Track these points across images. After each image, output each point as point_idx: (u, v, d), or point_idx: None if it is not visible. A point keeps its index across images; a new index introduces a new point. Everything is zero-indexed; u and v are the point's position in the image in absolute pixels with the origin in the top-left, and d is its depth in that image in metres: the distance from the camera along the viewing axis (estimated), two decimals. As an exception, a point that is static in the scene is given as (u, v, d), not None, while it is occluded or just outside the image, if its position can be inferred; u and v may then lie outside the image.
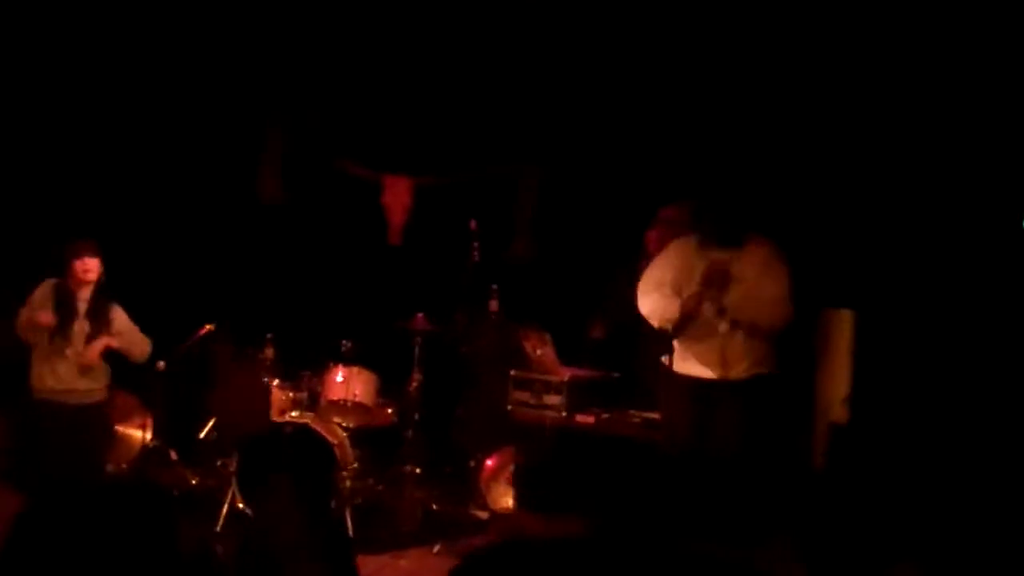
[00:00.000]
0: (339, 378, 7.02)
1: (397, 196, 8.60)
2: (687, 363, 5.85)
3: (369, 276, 8.43)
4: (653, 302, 5.92)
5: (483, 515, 7.23)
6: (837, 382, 7.29)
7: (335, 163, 8.47)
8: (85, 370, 6.27)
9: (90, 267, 6.23)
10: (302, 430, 6.68)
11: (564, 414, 6.55)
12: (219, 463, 7.13)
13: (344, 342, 7.18)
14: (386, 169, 8.54)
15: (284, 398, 7.10)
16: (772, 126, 7.20)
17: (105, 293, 6.31)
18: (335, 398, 7.01)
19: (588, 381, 6.85)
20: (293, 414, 6.96)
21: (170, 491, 6.76)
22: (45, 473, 6.04)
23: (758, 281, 5.67)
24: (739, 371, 5.73)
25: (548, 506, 6.21)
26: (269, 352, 7.31)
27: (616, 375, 6.94)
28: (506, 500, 7.27)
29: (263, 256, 8.49)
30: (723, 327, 5.70)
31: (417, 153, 8.47)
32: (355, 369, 7.05)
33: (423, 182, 8.54)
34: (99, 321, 6.28)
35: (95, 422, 6.43)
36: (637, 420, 6.38)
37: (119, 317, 6.37)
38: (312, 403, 7.10)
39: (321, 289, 8.37)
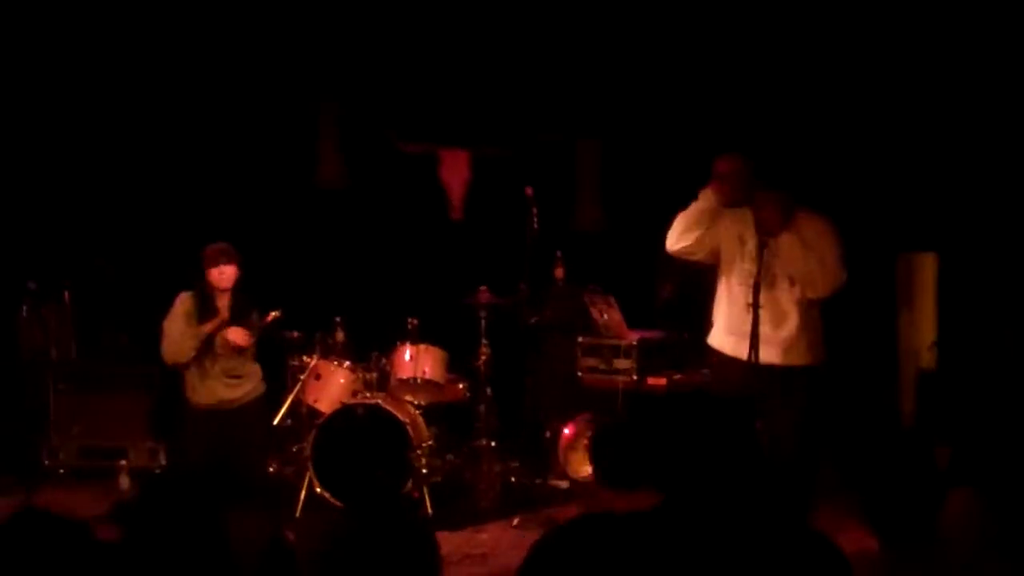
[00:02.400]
0: (407, 356, 7.04)
1: (455, 170, 8.58)
2: (730, 340, 5.62)
3: (431, 253, 8.45)
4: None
5: (563, 485, 7.25)
6: (922, 328, 7.15)
7: (392, 141, 8.47)
8: (234, 379, 6.35)
9: (227, 273, 6.28)
10: (373, 411, 6.71)
11: (635, 378, 6.48)
12: (295, 449, 7.19)
13: (410, 320, 7.19)
14: (443, 143, 8.53)
15: (355, 379, 7.12)
16: (841, 69, 7.07)
17: (246, 296, 6.38)
18: (405, 376, 7.02)
19: (658, 342, 6.80)
20: (365, 395, 6.99)
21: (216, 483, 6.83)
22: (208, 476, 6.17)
23: (809, 251, 5.48)
24: (793, 355, 5.51)
25: (625, 478, 6.16)
26: (339, 335, 7.33)
27: (686, 335, 6.86)
28: (586, 468, 7.25)
29: (327, 240, 8.53)
30: (778, 295, 5.49)
31: (473, 125, 8.43)
32: (423, 346, 7.06)
33: (481, 154, 8.49)
34: (246, 325, 6.35)
35: (254, 420, 6.50)
36: (708, 379, 6.25)
37: (254, 316, 6.44)
38: (383, 383, 7.13)
39: (385, 269, 8.40)
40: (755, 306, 5.29)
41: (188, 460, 6.46)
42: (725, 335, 5.65)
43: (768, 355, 5.39)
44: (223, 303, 6.35)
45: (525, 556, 2.34)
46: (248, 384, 6.47)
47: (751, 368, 5.29)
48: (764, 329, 5.34)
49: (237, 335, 6.29)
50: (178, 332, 6.27)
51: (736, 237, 5.60)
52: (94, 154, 8.36)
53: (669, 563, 2.40)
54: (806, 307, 5.53)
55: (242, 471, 6.21)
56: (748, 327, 5.33)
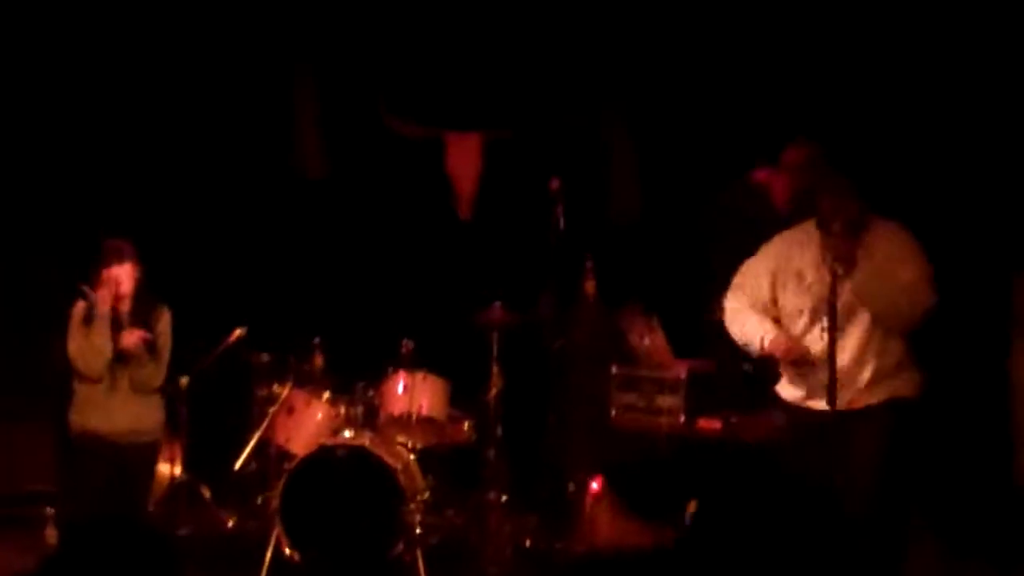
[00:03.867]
0: (400, 388, 7.02)
1: (464, 159, 8.56)
2: (793, 386, 5.78)
3: (433, 259, 8.42)
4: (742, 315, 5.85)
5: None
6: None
7: (384, 121, 8.43)
8: (137, 409, 6.35)
9: (121, 277, 6.27)
10: (357, 454, 6.67)
11: (682, 419, 6.41)
12: (259, 500, 7.17)
13: (405, 342, 7.17)
14: (448, 125, 8.48)
15: (335, 415, 7.09)
16: (940, 35, 7.06)
17: (149, 294, 6.38)
18: (397, 412, 7.01)
19: (711, 375, 6.72)
20: (346, 434, 6.96)
21: (176, 537, 6.85)
22: (85, 513, 6.19)
23: (886, 265, 5.55)
24: (869, 396, 5.60)
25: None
26: (317, 360, 7.32)
27: (748, 366, 6.76)
28: (615, 529, 7.17)
29: (303, 242, 8.52)
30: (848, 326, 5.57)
31: (484, 102, 8.41)
32: (420, 375, 7.04)
33: (493, 137, 8.46)
34: (146, 324, 6.36)
35: (143, 465, 6.54)
36: (779, 423, 6.17)
37: (163, 322, 6.42)
38: (369, 420, 7.11)
39: (375, 279, 8.37)
40: (831, 347, 5.36)
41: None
42: (791, 385, 5.80)
43: (844, 401, 5.50)
44: (123, 308, 6.32)
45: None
46: (149, 420, 6.46)
47: (828, 419, 5.41)
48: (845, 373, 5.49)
49: (130, 338, 6.27)
50: (76, 348, 6.29)
51: (793, 274, 5.70)
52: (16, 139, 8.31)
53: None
54: (886, 340, 5.61)
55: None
56: (813, 373, 5.56)
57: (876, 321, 5.56)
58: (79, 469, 6.43)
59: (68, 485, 6.85)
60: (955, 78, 7.12)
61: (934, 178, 7.07)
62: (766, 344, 5.69)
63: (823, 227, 5.57)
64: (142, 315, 6.35)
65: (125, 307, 6.34)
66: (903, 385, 5.65)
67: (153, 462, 6.69)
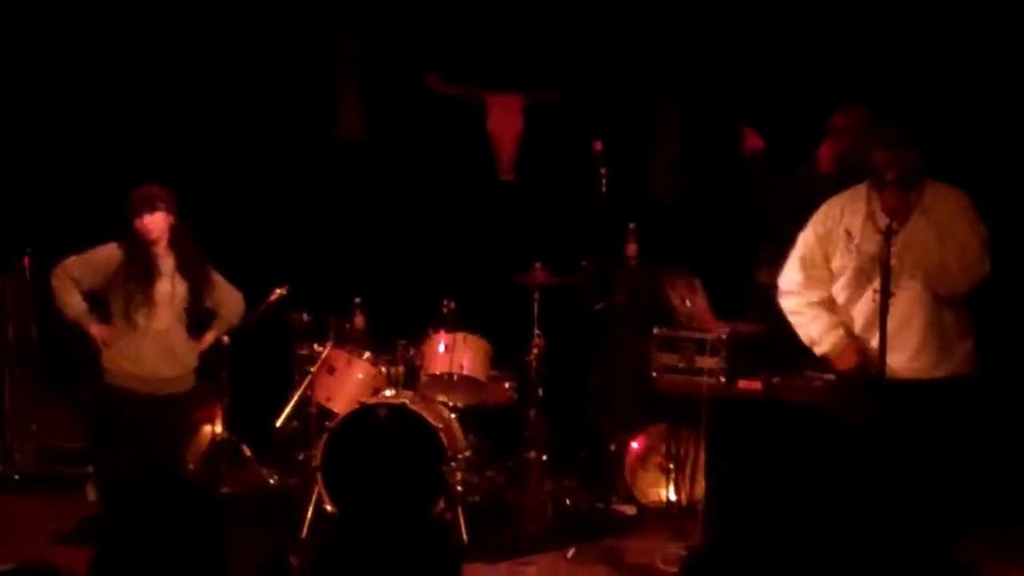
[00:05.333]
0: (441, 347, 7.04)
1: (505, 120, 8.51)
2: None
3: (474, 221, 8.42)
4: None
5: (628, 510, 7.23)
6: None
7: (425, 82, 8.41)
8: (168, 357, 6.44)
9: (154, 223, 6.33)
10: (398, 412, 6.70)
11: (723, 379, 6.41)
12: (301, 457, 7.20)
13: (446, 303, 7.20)
14: (489, 86, 8.46)
15: (376, 374, 7.13)
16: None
17: (188, 243, 6.45)
18: (438, 372, 7.04)
19: (752, 337, 6.71)
20: (388, 393, 6.99)
21: (218, 496, 7.00)
22: (118, 471, 6.34)
23: (942, 222, 5.46)
24: (921, 367, 5.51)
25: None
26: (358, 319, 7.35)
27: (788, 328, 6.76)
28: (657, 491, 7.22)
29: (345, 204, 8.54)
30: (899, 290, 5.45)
31: (527, 63, 8.36)
32: (461, 336, 7.06)
33: (535, 99, 8.42)
34: (195, 278, 6.43)
35: (178, 417, 6.64)
36: (819, 384, 6.19)
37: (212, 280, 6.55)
38: (410, 379, 7.13)
39: (416, 240, 8.40)
40: (883, 311, 5.26)
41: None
42: None
43: (895, 366, 5.41)
44: (163, 257, 6.39)
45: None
46: (183, 368, 6.55)
47: (875, 383, 5.33)
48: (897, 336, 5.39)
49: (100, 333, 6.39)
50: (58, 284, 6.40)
51: (842, 233, 5.63)
52: (61, 99, 8.40)
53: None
54: (936, 307, 5.51)
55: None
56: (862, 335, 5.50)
57: (926, 284, 5.46)
58: (111, 419, 6.51)
59: (100, 437, 6.94)
60: (1001, 44, 7.05)
61: (989, 147, 7.03)
62: (836, 364, 5.71)
63: (876, 182, 5.48)
64: (189, 266, 6.41)
65: (162, 256, 6.38)
66: (961, 362, 5.55)
67: (187, 414, 6.75)
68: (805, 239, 5.77)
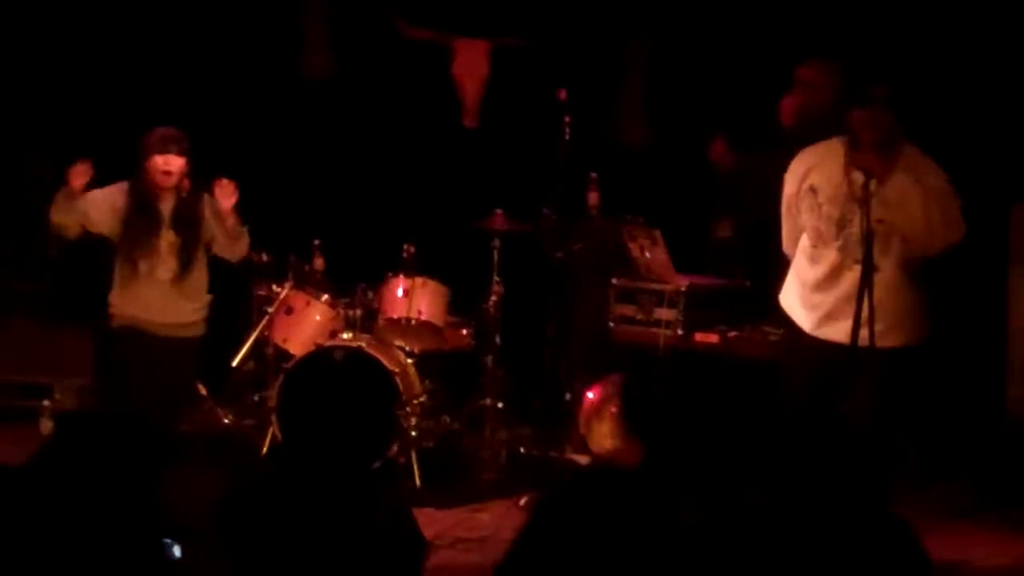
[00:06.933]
0: (400, 292, 7.03)
1: (471, 65, 8.51)
2: (808, 315, 5.57)
3: (436, 165, 8.40)
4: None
5: (582, 460, 7.22)
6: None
7: (392, 24, 8.38)
8: (176, 300, 6.38)
9: (173, 165, 6.25)
10: (355, 355, 6.71)
11: (680, 332, 6.46)
12: (256, 398, 7.22)
13: (406, 247, 7.19)
14: (456, 30, 8.45)
15: (334, 316, 7.14)
16: None
17: (196, 191, 6.39)
18: (396, 316, 7.03)
19: (711, 290, 6.77)
20: (345, 336, 7.00)
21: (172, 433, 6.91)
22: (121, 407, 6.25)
23: (923, 178, 5.36)
24: (892, 335, 5.38)
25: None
26: (317, 261, 7.36)
27: (746, 283, 6.82)
28: (611, 441, 7.23)
29: (307, 144, 8.49)
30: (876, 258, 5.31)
31: (494, 8, 8.36)
32: (419, 280, 7.04)
33: (502, 45, 8.41)
34: (188, 229, 6.35)
35: (183, 361, 6.54)
36: (774, 338, 6.26)
37: (210, 208, 6.45)
38: (368, 323, 7.15)
39: (377, 183, 8.36)
40: (866, 274, 5.13)
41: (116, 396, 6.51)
42: (800, 306, 5.61)
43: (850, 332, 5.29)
44: (166, 205, 6.32)
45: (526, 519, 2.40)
46: (194, 314, 6.51)
47: (836, 348, 5.27)
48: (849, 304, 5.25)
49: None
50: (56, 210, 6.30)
51: (807, 191, 5.47)
52: (30, 33, 8.29)
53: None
54: (912, 271, 5.43)
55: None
56: (824, 300, 5.39)
57: (904, 245, 5.34)
58: (116, 360, 6.49)
59: (105, 378, 6.93)
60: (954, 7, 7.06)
61: (930, 108, 7.05)
62: None
63: (852, 142, 5.34)
64: (187, 219, 6.34)
65: (170, 198, 6.32)
66: (914, 334, 5.48)
67: (192, 359, 6.62)
68: (786, 201, 5.62)
